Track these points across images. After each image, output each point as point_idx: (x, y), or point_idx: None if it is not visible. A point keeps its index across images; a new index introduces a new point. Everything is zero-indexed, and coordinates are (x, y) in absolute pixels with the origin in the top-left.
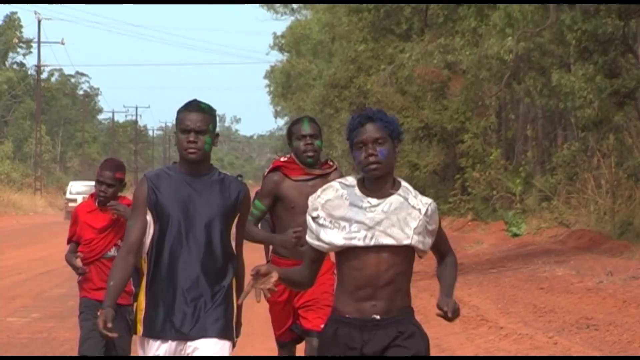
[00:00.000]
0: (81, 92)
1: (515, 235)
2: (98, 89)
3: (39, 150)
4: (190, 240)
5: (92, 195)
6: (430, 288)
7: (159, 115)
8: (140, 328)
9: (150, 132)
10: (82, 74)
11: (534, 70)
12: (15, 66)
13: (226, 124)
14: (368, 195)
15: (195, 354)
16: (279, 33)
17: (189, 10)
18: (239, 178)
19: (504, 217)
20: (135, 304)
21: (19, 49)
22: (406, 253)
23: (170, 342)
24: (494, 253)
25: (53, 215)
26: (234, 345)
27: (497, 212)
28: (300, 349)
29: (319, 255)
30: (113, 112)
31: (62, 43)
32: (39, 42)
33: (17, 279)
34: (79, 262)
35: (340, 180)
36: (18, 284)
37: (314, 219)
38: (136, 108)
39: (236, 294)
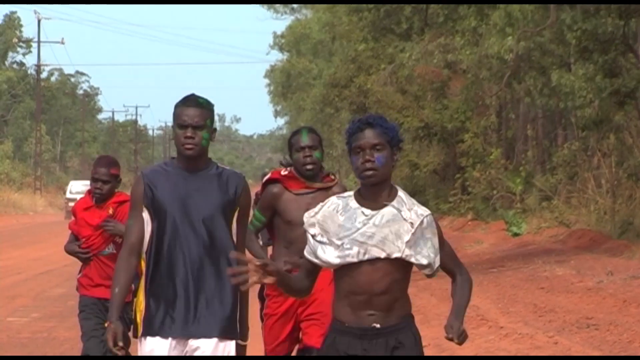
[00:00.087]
0: (81, 92)
1: (515, 234)
2: (98, 88)
3: (38, 150)
4: (190, 237)
5: (89, 192)
6: (430, 288)
7: (158, 115)
8: (140, 330)
9: (150, 132)
10: (82, 74)
11: (534, 70)
12: (15, 66)
13: (226, 124)
14: (363, 205)
15: (197, 353)
16: (279, 32)
17: (189, 10)
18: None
19: (504, 216)
20: (134, 301)
21: (18, 49)
22: (400, 263)
23: (170, 339)
24: (494, 253)
25: (53, 214)
26: (243, 347)
27: (497, 211)
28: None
29: (315, 267)
30: (113, 112)
31: (62, 42)
32: (38, 42)
33: (17, 278)
34: (79, 248)
35: (338, 194)
36: (18, 283)
37: (311, 236)
38: (136, 107)
39: (240, 292)
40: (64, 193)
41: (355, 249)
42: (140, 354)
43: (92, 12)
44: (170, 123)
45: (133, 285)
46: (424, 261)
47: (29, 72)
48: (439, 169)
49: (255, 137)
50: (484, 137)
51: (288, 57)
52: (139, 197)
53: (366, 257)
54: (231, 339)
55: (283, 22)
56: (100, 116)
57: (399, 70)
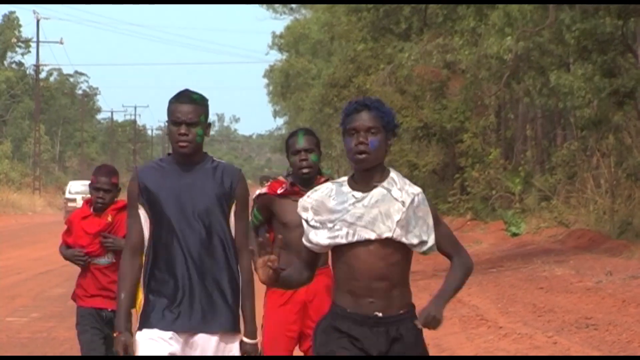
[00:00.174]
0: (80, 92)
1: (514, 234)
2: (97, 88)
3: (37, 150)
4: (187, 231)
5: (86, 202)
6: (430, 287)
7: (157, 115)
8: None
9: (149, 132)
10: (81, 74)
11: (533, 70)
12: (14, 66)
13: (225, 124)
14: (354, 189)
15: (198, 350)
16: (278, 32)
17: (189, 9)
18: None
19: (503, 216)
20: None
21: (17, 49)
22: (394, 246)
23: (172, 333)
24: (493, 253)
25: (52, 214)
26: (255, 346)
27: (496, 211)
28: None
29: (312, 256)
30: (112, 112)
31: (61, 42)
32: (37, 42)
33: (17, 278)
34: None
35: (333, 180)
36: (18, 283)
37: (305, 220)
38: (135, 107)
39: (242, 286)
40: (63, 193)
41: (345, 230)
42: (139, 348)
43: (91, 12)
44: None
45: None
46: (415, 240)
47: (27, 72)
48: (438, 169)
49: (254, 137)
50: (483, 137)
51: (287, 57)
52: (135, 195)
53: (355, 238)
54: (233, 333)
55: (282, 22)
56: (99, 116)
57: (398, 70)
